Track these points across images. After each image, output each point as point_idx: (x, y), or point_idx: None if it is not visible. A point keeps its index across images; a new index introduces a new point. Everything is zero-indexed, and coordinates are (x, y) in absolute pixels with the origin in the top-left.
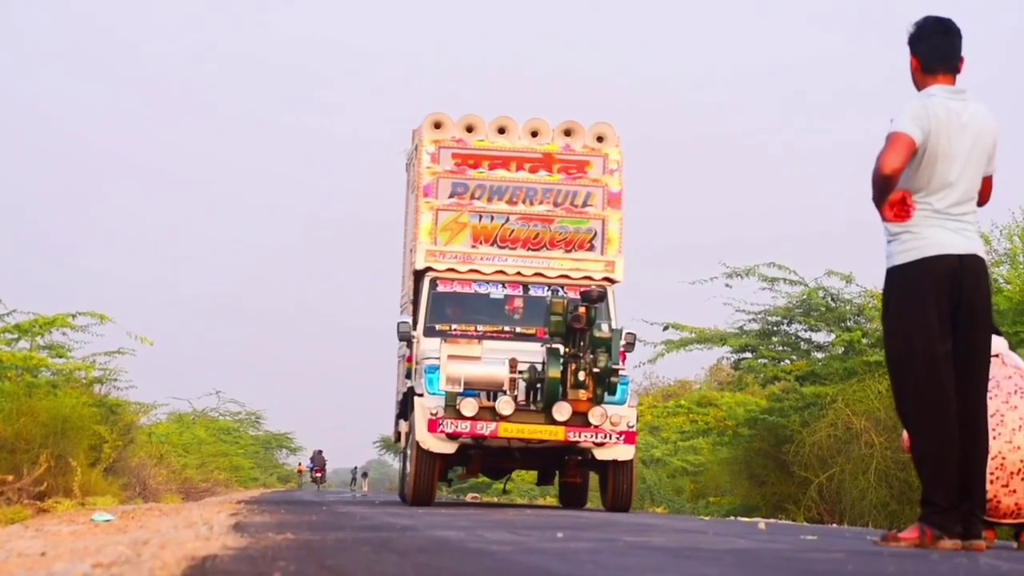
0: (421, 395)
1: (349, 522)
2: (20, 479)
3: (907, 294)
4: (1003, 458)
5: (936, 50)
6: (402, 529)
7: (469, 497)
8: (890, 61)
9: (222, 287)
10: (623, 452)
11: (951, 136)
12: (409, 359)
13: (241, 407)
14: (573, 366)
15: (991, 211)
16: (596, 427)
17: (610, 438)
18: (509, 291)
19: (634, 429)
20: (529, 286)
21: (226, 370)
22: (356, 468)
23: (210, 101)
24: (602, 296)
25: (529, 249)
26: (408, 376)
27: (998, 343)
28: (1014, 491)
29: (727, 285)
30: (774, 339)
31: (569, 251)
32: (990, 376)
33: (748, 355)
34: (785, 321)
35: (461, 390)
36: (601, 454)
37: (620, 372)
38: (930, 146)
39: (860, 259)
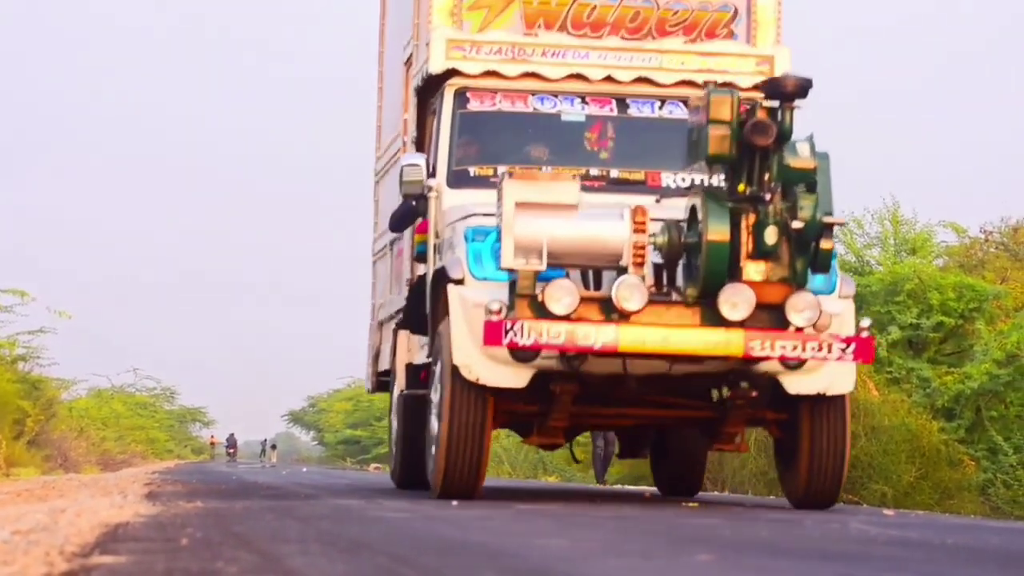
0: (460, 280)
1: (256, 491)
2: None
3: None
4: None
5: None
6: (306, 498)
7: (372, 468)
8: None
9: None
10: (841, 378)
11: None
12: (421, 228)
13: (156, 383)
14: (752, 217)
15: (863, 196)
16: (801, 330)
17: (829, 350)
18: (594, 109)
19: (869, 334)
20: (628, 100)
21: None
22: (265, 440)
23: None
24: (805, 88)
25: (624, 38)
26: (421, 258)
27: None
28: None
29: None
30: None
31: (693, 40)
32: None
33: None
34: None
35: (543, 267)
36: (796, 385)
37: (833, 228)
38: None
39: None
